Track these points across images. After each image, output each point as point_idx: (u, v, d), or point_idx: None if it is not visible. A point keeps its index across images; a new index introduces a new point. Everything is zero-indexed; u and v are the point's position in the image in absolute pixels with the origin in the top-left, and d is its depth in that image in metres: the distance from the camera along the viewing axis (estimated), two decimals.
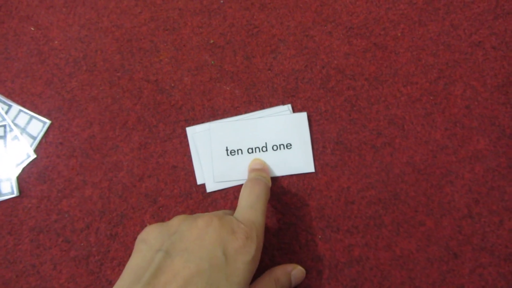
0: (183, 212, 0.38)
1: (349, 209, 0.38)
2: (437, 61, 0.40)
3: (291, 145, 0.39)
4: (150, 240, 0.29)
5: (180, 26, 0.42)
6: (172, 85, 0.41)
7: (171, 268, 0.27)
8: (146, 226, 0.38)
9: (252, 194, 0.32)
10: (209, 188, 0.39)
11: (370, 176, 0.38)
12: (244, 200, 0.32)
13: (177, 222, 0.30)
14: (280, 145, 0.39)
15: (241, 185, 0.38)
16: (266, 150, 0.38)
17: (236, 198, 0.38)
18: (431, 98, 0.39)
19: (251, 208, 0.31)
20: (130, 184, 0.39)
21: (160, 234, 0.29)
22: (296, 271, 0.36)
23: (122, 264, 0.37)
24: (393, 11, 0.41)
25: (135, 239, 0.38)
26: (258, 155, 0.38)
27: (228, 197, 0.38)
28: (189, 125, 0.40)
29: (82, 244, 0.38)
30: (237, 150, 0.39)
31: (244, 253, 0.28)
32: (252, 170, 0.37)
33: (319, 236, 0.38)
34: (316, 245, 0.37)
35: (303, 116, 0.39)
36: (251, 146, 0.39)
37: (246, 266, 0.28)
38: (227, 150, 0.39)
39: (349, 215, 0.38)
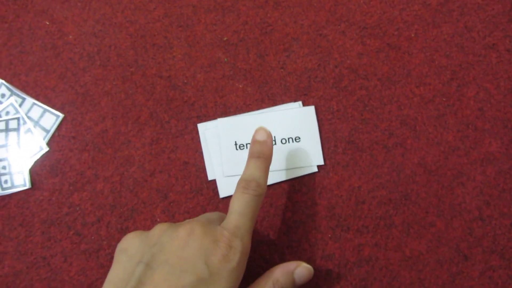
0: (194, 208, 0.38)
1: (359, 208, 0.38)
2: (451, 62, 0.40)
3: (299, 138, 0.39)
4: (130, 250, 0.29)
5: (193, 23, 0.42)
6: (185, 81, 0.41)
7: (152, 282, 0.26)
8: (157, 221, 0.38)
9: (242, 200, 0.31)
10: (222, 192, 0.38)
11: (381, 176, 0.38)
12: (234, 206, 0.31)
13: (158, 232, 0.29)
14: (288, 138, 0.39)
15: None
16: (275, 143, 0.39)
17: None
18: (444, 99, 0.39)
19: (239, 214, 0.30)
20: (141, 179, 0.39)
21: (141, 244, 0.29)
22: (300, 269, 0.33)
23: None
24: (407, 11, 0.41)
25: None
26: None
27: None
28: (201, 121, 0.40)
29: (92, 237, 0.38)
30: (246, 144, 0.39)
31: (227, 261, 0.28)
32: (254, 143, 0.35)
33: (329, 235, 0.38)
34: (326, 244, 0.37)
35: (311, 109, 0.39)
36: None
37: (231, 273, 0.28)
38: (236, 144, 0.39)
39: (359, 215, 0.38)
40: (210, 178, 0.39)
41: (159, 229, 0.29)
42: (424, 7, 0.41)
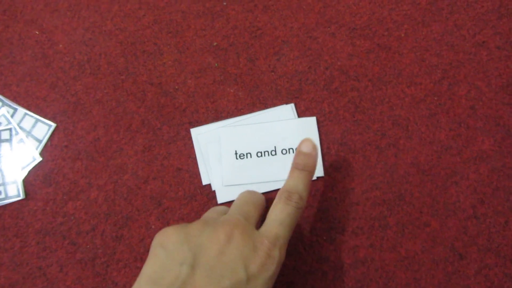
0: (188, 215, 0.38)
1: (353, 210, 0.38)
2: (441, 61, 0.40)
3: None
4: (169, 246, 0.29)
5: (183, 29, 0.42)
6: (176, 87, 0.41)
7: (193, 284, 0.27)
8: (152, 228, 0.38)
9: (284, 210, 0.31)
10: (220, 198, 0.39)
11: (374, 177, 0.38)
12: (275, 215, 0.31)
13: (197, 231, 0.29)
14: (289, 149, 0.39)
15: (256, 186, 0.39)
16: (275, 154, 0.39)
17: None
18: (435, 98, 0.39)
19: (280, 224, 0.30)
20: (135, 187, 0.39)
21: (180, 243, 0.29)
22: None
23: (127, 266, 0.38)
24: (397, 11, 0.41)
25: (140, 241, 0.38)
26: (267, 158, 0.38)
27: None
28: (193, 127, 0.40)
29: (88, 246, 0.38)
30: (246, 153, 0.39)
31: (265, 270, 0.28)
32: (299, 154, 0.33)
33: (324, 238, 0.38)
34: (321, 247, 0.37)
35: (312, 120, 0.39)
36: (260, 149, 0.39)
37: (267, 281, 0.28)
38: (236, 153, 0.39)
39: (353, 216, 0.38)
40: (204, 182, 0.39)
41: (197, 227, 0.30)
42: (413, 6, 0.41)
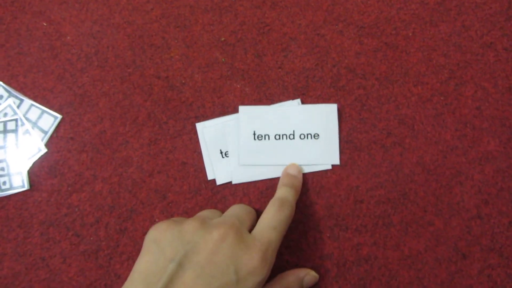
0: (192, 209, 0.38)
1: (358, 208, 0.38)
2: (448, 61, 0.40)
3: (318, 135, 0.39)
4: (162, 242, 0.29)
5: (191, 23, 0.42)
6: (183, 82, 0.41)
7: (182, 282, 0.27)
8: (155, 222, 0.38)
9: (277, 215, 0.32)
10: (236, 179, 0.39)
11: (379, 176, 0.38)
12: (268, 220, 0.32)
13: (191, 229, 0.30)
14: (307, 134, 0.39)
15: (260, 181, 0.39)
16: (293, 138, 0.39)
17: (245, 195, 0.38)
18: (442, 98, 0.39)
19: (273, 229, 0.31)
20: (139, 180, 0.39)
21: (173, 239, 0.29)
22: (309, 278, 0.35)
23: (131, 258, 0.38)
24: (405, 11, 0.41)
25: (144, 234, 0.38)
26: (285, 142, 0.38)
27: (237, 194, 0.39)
28: (199, 121, 0.40)
29: (91, 238, 0.38)
30: (265, 135, 0.39)
31: (256, 274, 0.28)
32: (286, 175, 0.37)
33: (328, 235, 0.38)
34: (324, 244, 0.37)
35: (333, 107, 0.39)
36: (279, 132, 0.39)
37: (256, 285, 0.28)
38: (254, 134, 0.39)
39: (358, 214, 0.38)
40: (209, 177, 0.39)
41: (192, 226, 0.30)
42: (422, 6, 0.41)
